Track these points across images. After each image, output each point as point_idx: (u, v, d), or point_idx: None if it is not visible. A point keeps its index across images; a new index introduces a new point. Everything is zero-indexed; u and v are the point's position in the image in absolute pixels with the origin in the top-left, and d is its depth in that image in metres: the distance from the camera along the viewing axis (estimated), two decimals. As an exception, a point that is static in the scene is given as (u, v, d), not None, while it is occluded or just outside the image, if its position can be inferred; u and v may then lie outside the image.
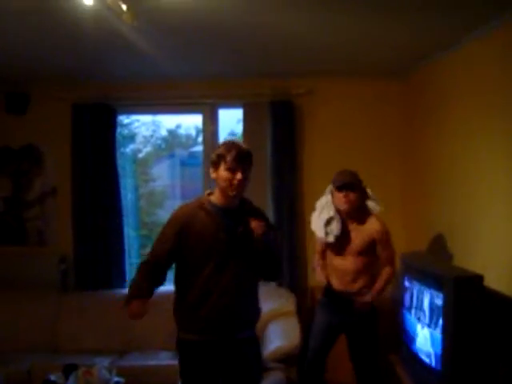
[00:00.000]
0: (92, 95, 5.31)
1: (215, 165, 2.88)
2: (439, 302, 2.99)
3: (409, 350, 3.51)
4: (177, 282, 3.02)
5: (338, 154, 5.40)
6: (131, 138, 6.32)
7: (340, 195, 3.74)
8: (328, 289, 3.91)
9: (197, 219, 2.90)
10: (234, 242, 2.88)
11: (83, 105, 5.34)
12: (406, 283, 3.58)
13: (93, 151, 5.34)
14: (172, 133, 7.13)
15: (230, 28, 3.79)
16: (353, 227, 3.84)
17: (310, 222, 4.10)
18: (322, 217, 3.88)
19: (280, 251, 3.14)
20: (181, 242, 2.91)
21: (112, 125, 5.41)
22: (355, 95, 5.45)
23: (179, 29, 3.80)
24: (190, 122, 6.60)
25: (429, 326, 3.17)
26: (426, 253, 4.42)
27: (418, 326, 3.35)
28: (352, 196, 3.73)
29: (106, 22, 3.34)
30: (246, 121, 5.41)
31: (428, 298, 3.17)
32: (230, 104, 5.56)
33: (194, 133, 6.75)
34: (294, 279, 5.25)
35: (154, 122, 6.61)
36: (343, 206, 3.76)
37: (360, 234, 3.80)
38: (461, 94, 4.10)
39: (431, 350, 3.12)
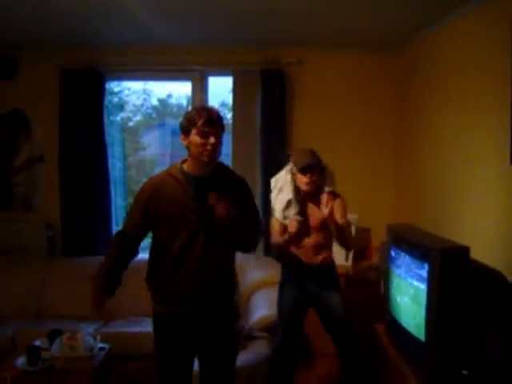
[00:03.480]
0: (80, 60, 5.24)
1: (186, 130, 2.75)
2: (424, 272, 2.98)
3: (393, 320, 3.51)
4: (151, 254, 2.94)
5: (328, 123, 5.41)
6: (121, 106, 6.23)
7: (303, 177, 3.72)
8: (296, 262, 3.89)
9: (166, 189, 2.80)
10: (204, 212, 2.77)
11: (71, 70, 5.26)
12: (392, 253, 3.57)
13: (81, 117, 5.28)
14: (163, 102, 7.08)
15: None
16: (311, 205, 3.83)
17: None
18: (280, 198, 3.84)
19: (257, 222, 3.04)
20: (150, 215, 2.82)
21: (100, 91, 5.33)
22: (346, 66, 5.43)
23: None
24: (182, 92, 6.56)
25: (413, 296, 3.17)
26: (413, 224, 4.42)
27: (403, 296, 3.35)
28: (314, 178, 3.72)
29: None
30: (236, 89, 5.37)
31: (413, 269, 3.16)
32: (219, 72, 5.48)
33: (184, 102, 6.70)
34: (280, 250, 5.21)
35: (144, 91, 6.56)
36: (305, 187, 3.75)
37: (319, 211, 3.78)
38: (453, 66, 4.07)
39: (415, 320, 3.12)
